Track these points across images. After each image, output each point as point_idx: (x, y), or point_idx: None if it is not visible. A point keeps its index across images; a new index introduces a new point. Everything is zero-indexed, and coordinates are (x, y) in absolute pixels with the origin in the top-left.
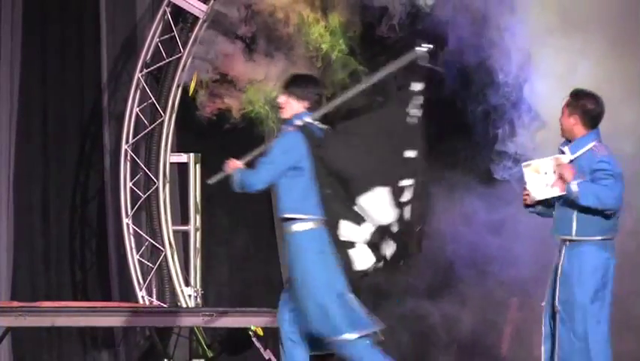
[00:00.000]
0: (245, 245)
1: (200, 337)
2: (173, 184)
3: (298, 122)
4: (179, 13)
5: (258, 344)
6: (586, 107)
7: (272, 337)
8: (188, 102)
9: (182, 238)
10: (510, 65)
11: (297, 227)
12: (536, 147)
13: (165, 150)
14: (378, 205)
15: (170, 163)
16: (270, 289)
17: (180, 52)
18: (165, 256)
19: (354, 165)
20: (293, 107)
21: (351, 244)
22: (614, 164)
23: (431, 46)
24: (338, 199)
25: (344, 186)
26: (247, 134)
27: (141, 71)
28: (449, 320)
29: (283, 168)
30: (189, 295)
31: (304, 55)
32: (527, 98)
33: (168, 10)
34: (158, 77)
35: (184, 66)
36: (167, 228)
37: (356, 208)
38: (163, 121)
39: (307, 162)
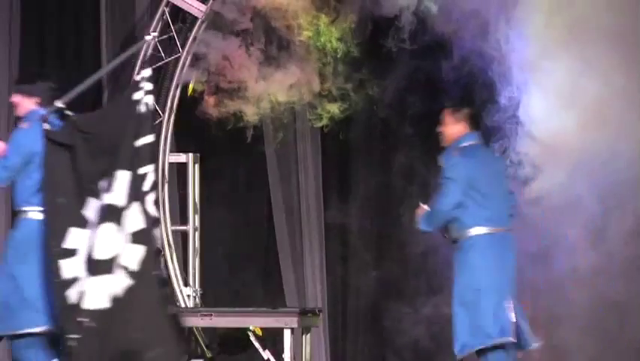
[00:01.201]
0: (244, 245)
1: (199, 337)
2: (172, 184)
3: (36, 118)
4: (178, 13)
5: (256, 344)
6: (471, 111)
7: (271, 337)
8: (187, 103)
9: (181, 238)
10: (511, 83)
11: (32, 215)
12: (531, 165)
13: (164, 150)
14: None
15: (169, 163)
16: (268, 290)
17: (179, 52)
18: (164, 255)
19: (89, 163)
20: (25, 104)
21: (72, 252)
22: (452, 166)
23: (156, 33)
24: (71, 207)
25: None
26: (246, 135)
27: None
28: (435, 326)
29: (16, 165)
30: (188, 295)
31: (313, 62)
32: (527, 117)
33: (167, 10)
34: (157, 77)
35: (183, 66)
36: (166, 228)
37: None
38: (162, 121)
39: (39, 156)
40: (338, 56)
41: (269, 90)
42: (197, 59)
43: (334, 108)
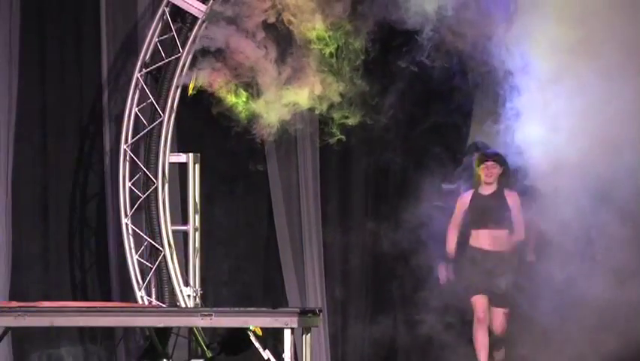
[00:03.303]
0: (244, 245)
1: (199, 337)
2: (172, 184)
3: None
4: (178, 12)
5: (257, 344)
6: None
7: (271, 337)
8: (187, 102)
9: (182, 238)
10: (518, 110)
11: None
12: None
13: (164, 150)
14: None
15: (170, 163)
16: (269, 290)
17: (179, 52)
18: (164, 256)
19: None
20: None
21: None
22: None
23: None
24: None
25: None
26: (247, 135)
27: (140, 71)
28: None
29: None
30: (188, 296)
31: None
32: (530, 145)
33: (167, 10)
34: (158, 77)
35: (183, 66)
36: (167, 228)
37: None
38: (162, 121)
39: None
40: (354, 77)
41: (287, 97)
42: (209, 52)
43: (350, 121)
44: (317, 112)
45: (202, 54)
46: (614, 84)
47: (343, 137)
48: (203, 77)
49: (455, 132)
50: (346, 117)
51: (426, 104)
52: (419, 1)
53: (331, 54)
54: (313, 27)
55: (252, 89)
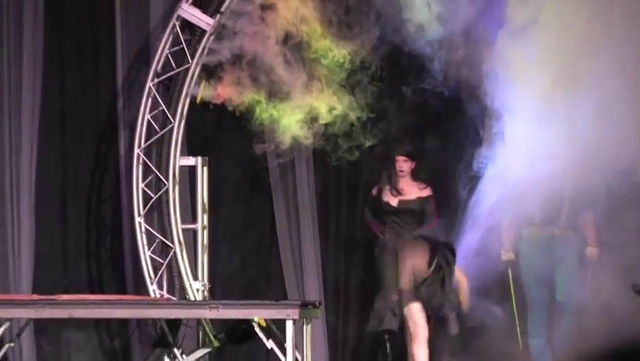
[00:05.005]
0: (248, 242)
1: (207, 328)
2: (182, 186)
3: None
4: (187, 26)
5: (260, 335)
6: None
7: (274, 328)
8: (196, 109)
9: (191, 236)
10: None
11: None
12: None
13: (175, 154)
14: None
15: (180, 166)
16: (271, 284)
17: (189, 62)
18: (175, 252)
19: None
20: None
21: None
22: None
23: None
24: None
25: None
26: (251, 138)
27: (152, 80)
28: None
29: None
30: (197, 289)
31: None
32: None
33: (177, 23)
34: (169, 86)
35: (192, 76)
36: (177, 226)
37: None
38: (173, 127)
39: None
40: (366, 98)
41: (306, 108)
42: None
43: (365, 142)
44: (331, 130)
45: (228, 61)
46: (617, 89)
47: (356, 154)
48: (225, 86)
49: (451, 153)
50: (359, 138)
51: (428, 126)
52: (422, 26)
53: (345, 77)
54: (330, 49)
55: (272, 95)
